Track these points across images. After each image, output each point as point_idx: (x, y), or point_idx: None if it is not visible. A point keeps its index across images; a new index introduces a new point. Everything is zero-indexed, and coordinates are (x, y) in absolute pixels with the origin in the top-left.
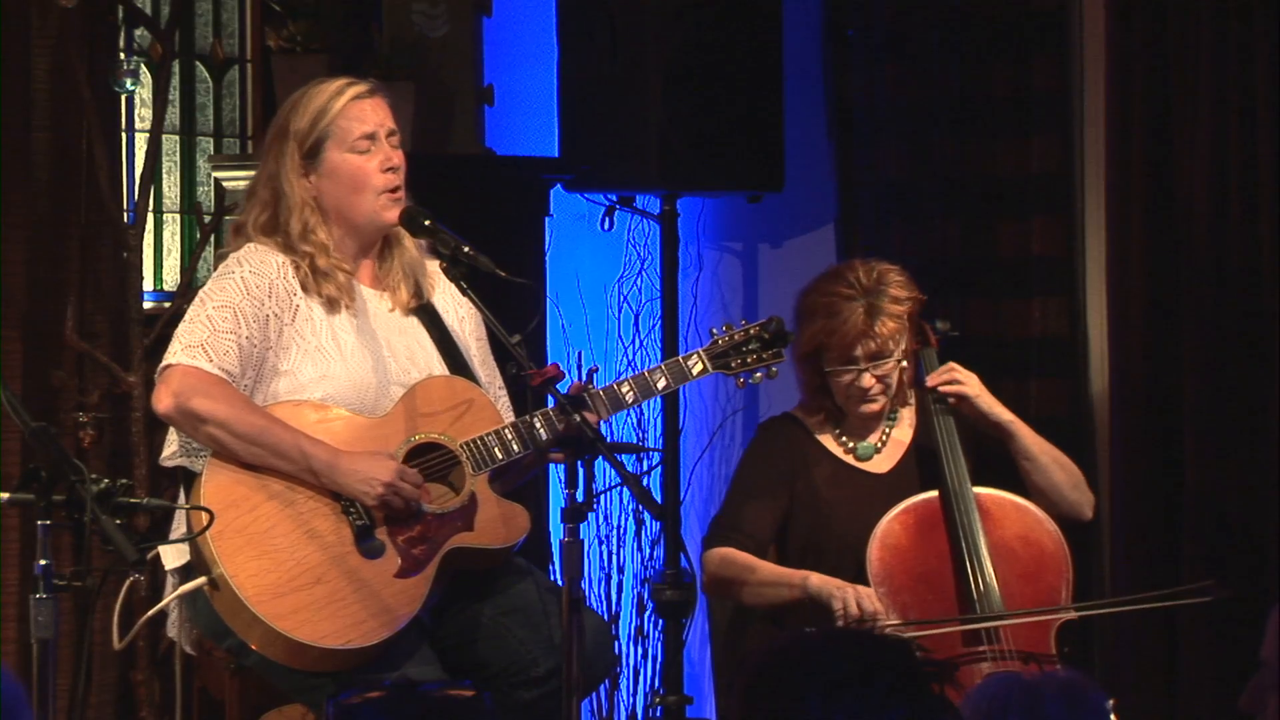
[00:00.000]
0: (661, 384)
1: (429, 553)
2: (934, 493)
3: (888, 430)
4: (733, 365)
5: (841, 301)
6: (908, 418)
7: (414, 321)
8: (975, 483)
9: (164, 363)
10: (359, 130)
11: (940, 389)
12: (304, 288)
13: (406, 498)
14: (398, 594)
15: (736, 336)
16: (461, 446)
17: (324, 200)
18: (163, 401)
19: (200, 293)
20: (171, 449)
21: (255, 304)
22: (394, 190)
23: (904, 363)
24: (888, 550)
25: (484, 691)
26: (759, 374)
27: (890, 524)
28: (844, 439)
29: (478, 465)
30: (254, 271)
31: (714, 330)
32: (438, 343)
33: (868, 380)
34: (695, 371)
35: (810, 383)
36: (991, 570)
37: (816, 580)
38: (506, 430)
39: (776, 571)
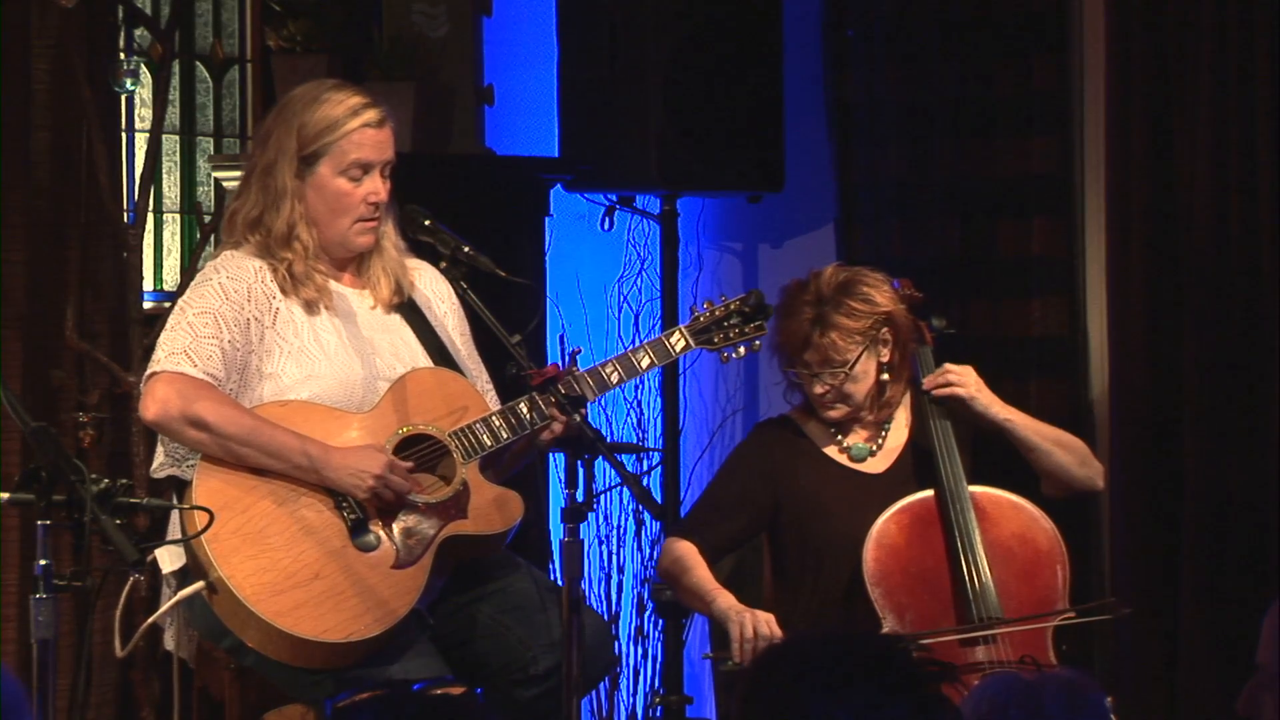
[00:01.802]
0: (645, 362)
1: (424, 543)
2: (929, 492)
3: (883, 431)
4: (715, 340)
5: (797, 304)
6: (903, 418)
7: (396, 318)
8: (973, 480)
9: (148, 371)
10: (356, 156)
11: (936, 393)
12: (283, 290)
13: (397, 490)
14: (395, 586)
15: (718, 312)
16: (450, 436)
17: (307, 206)
18: (150, 409)
19: (179, 301)
20: (159, 460)
21: (235, 308)
22: (369, 220)
23: (885, 376)
24: (884, 550)
25: (476, 688)
26: (742, 348)
27: (886, 524)
28: (839, 439)
29: (467, 454)
30: (231, 277)
31: (694, 307)
32: (421, 337)
33: (819, 387)
34: (678, 348)
35: (784, 375)
36: (988, 569)
37: (721, 603)
38: (494, 418)
39: (699, 582)
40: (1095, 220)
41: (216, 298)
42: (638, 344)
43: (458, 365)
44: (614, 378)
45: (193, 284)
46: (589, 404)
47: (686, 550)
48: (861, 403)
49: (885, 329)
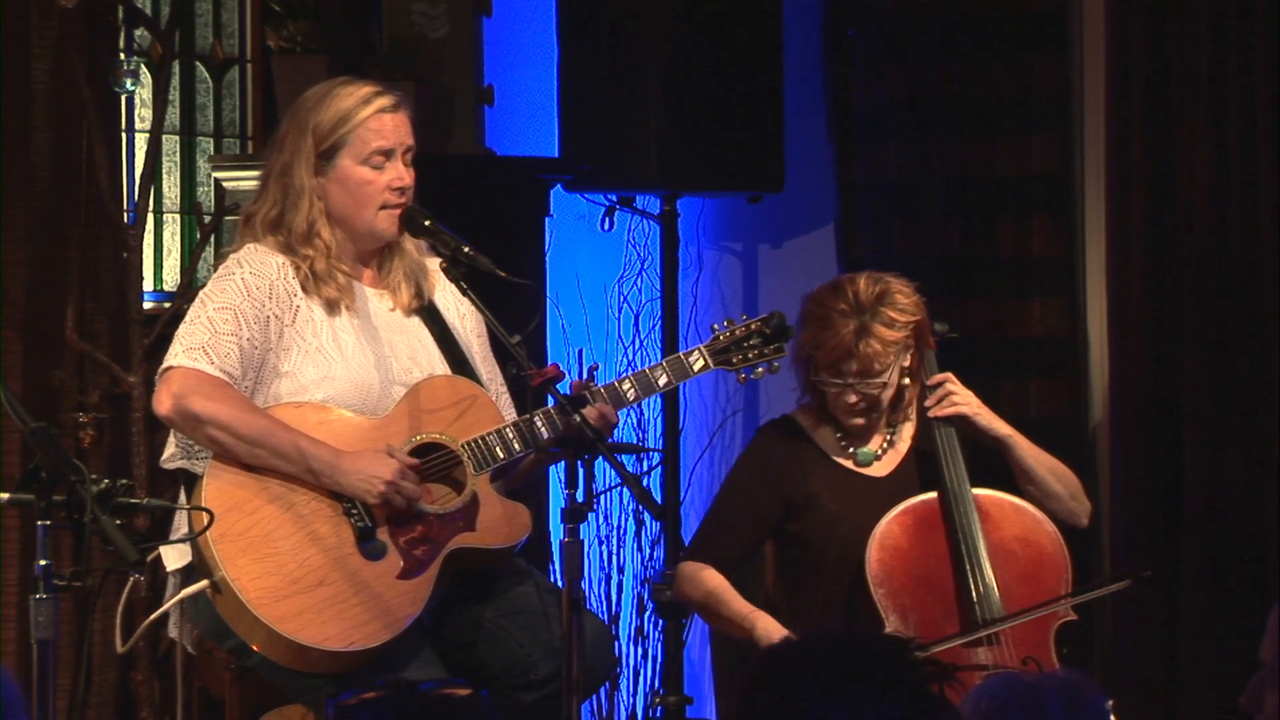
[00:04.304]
0: (663, 380)
1: (431, 553)
2: (933, 494)
3: (890, 436)
4: (734, 361)
5: (835, 316)
6: (909, 422)
7: (416, 321)
8: (974, 484)
9: (164, 365)
10: (377, 144)
11: (941, 412)
12: (304, 289)
13: (408, 495)
14: (400, 595)
15: (738, 332)
16: (463, 446)
17: (329, 202)
18: (163, 404)
19: (200, 294)
20: (170, 450)
21: (256, 305)
22: (395, 207)
23: (906, 380)
24: (887, 551)
25: (481, 690)
26: (760, 369)
27: (889, 525)
28: (843, 443)
29: (479, 465)
30: (254, 273)
31: (715, 326)
32: (439, 342)
33: (852, 397)
34: (696, 368)
35: (805, 383)
36: (991, 572)
37: (762, 626)
38: (508, 429)
39: (732, 608)
40: (1095, 220)
41: (238, 293)
42: (640, 345)
43: (474, 371)
44: (630, 395)
45: (215, 276)
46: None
47: (707, 576)
48: (885, 409)
49: (911, 336)
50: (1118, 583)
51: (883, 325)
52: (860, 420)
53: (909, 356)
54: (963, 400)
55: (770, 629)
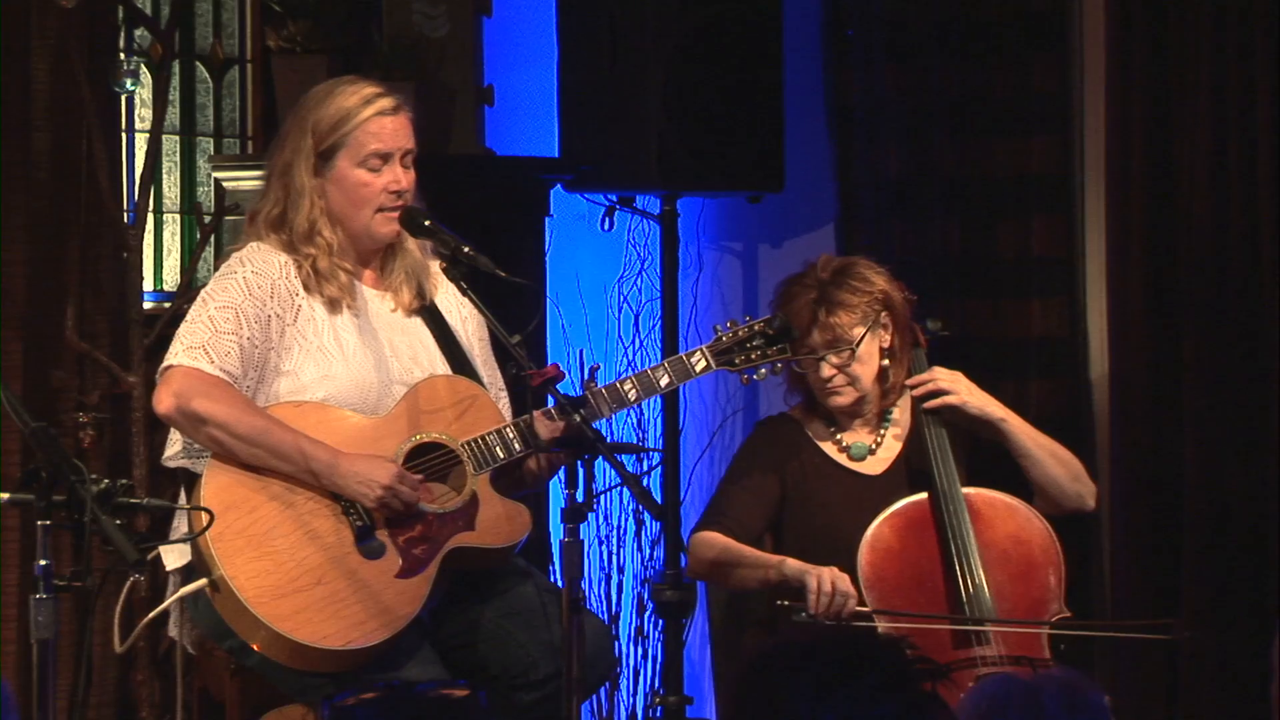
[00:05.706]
0: (664, 381)
1: (430, 553)
2: (923, 494)
3: (882, 431)
4: (736, 362)
5: (797, 290)
6: (902, 420)
7: (417, 322)
8: (968, 484)
9: (165, 363)
10: (374, 147)
11: (927, 405)
12: (306, 288)
13: (405, 500)
14: (398, 594)
15: (740, 333)
16: (463, 446)
17: (329, 202)
18: (163, 402)
19: (202, 293)
20: (174, 449)
21: (257, 305)
22: (391, 210)
23: (887, 361)
24: (878, 554)
25: (479, 690)
26: (763, 370)
27: (880, 527)
28: (838, 437)
29: (479, 464)
30: (256, 272)
31: (717, 327)
32: (440, 342)
33: (826, 370)
34: (699, 368)
35: (788, 376)
36: (982, 571)
37: (793, 563)
38: (508, 429)
39: (756, 555)
40: (1095, 220)
41: (240, 292)
42: (640, 346)
43: (475, 372)
44: (632, 395)
45: (217, 274)
46: (603, 420)
47: (719, 537)
48: (868, 387)
49: (884, 313)
50: (1156, 634)
51: (844, 292)
52: (843, 400)
53: (887, 335)
54: (950, 388)
55: (801, 565)
